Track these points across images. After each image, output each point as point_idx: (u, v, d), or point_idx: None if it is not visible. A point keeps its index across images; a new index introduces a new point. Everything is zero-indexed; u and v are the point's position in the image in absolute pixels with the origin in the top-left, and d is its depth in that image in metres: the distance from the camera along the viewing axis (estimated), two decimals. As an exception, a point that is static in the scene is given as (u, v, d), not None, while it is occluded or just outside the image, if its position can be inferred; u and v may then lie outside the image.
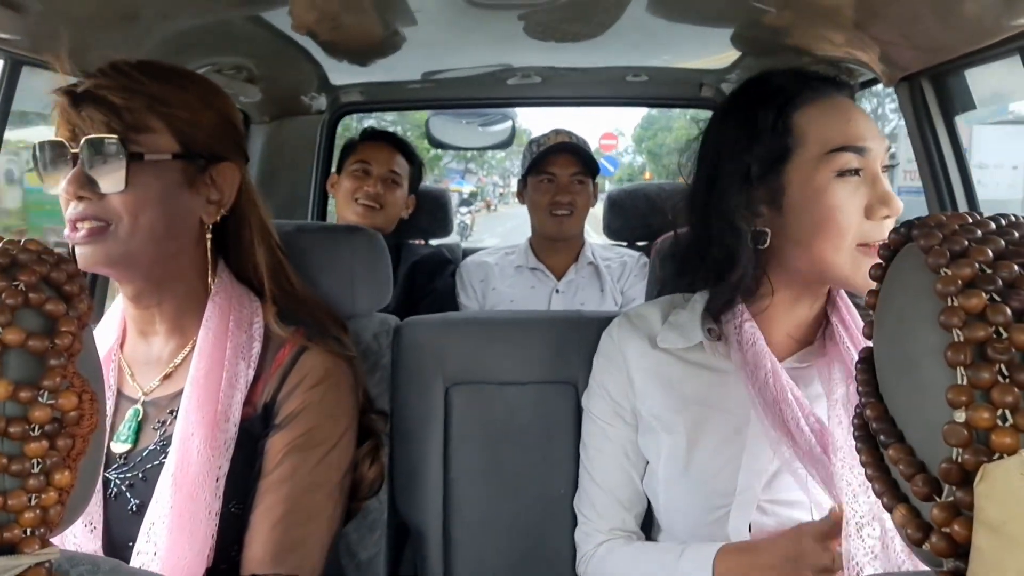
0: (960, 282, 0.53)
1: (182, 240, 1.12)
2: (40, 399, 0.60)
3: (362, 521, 1.41)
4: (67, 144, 1.05)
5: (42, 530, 0.61)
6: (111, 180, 1.03)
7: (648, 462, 1.24)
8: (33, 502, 0.60)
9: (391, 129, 2.70)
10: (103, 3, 1.36)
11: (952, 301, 0.52)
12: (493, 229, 21.08)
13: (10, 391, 0.59)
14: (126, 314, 1.17)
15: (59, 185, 1.05)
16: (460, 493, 1.44)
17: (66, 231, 1.06)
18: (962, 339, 0.51)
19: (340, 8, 1.64)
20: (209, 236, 1.14)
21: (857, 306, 1.19)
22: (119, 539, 1.07)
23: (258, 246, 1.18)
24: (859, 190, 1.06)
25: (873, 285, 0.64)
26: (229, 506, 1.06)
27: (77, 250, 1.04)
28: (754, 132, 1.10)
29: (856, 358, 1.08)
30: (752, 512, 1.13)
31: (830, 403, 1.11)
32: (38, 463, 0.60)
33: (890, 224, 1.05)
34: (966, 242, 0.55)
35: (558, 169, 2.31)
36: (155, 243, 1.07)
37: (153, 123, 1.06)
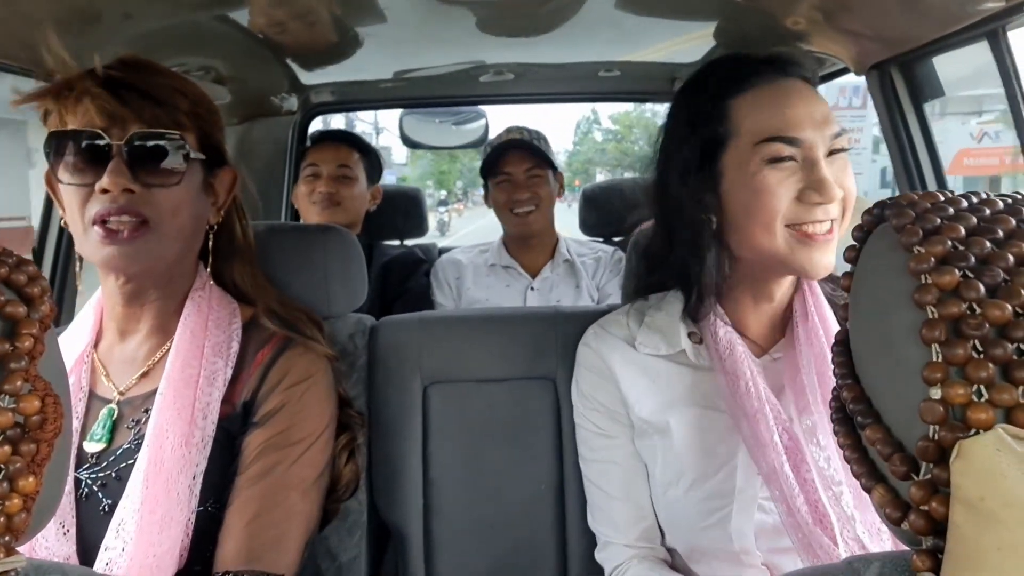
0: (933, 259, 0.52)
1: (196, 242, 1.13)
2: (1, 403, 0.58)
3: (342, 523, 1.40)
4: (103, 134, 1.01)
5: (7, 538, 0.59)
6: (164, 175, 1.03)
7: (647, 467, 1.20)
8: (-4, 510, 0.58)
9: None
10: (66, 4, 1.34)
11: (925, 279, 0.52)
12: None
13: (-30, 396, 0.57)
14: (108, 313, 1.14)
15: (83, 175, 1.01)
16: (440, 492, 1.43)
17: (93, 229, 1.01)
18: (936, 316, 0.51)
19: (307, 6, 1.62)
20: (211, 238, 1.15)
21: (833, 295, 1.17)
22: (91, 540, 1.03)
23: (242, 249, 1.21)
24: (794, 175, 1.04)
25: (827, 266, 0.63)
26: (206, 505, 1.04)
27: (115, 250, 1.00)
28: (694, 122, 1.10)
29: (815, 344, 1.08)
30: (754, 511, 1.09)
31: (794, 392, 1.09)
32: (1, 469, 0.58)
33: (826, 210, 1.03)
34: (938, 220, 0.55)
35: (512, 168, 2.28)
36: (183, 243, 1.09)
37: (188, 123, 1.07)
